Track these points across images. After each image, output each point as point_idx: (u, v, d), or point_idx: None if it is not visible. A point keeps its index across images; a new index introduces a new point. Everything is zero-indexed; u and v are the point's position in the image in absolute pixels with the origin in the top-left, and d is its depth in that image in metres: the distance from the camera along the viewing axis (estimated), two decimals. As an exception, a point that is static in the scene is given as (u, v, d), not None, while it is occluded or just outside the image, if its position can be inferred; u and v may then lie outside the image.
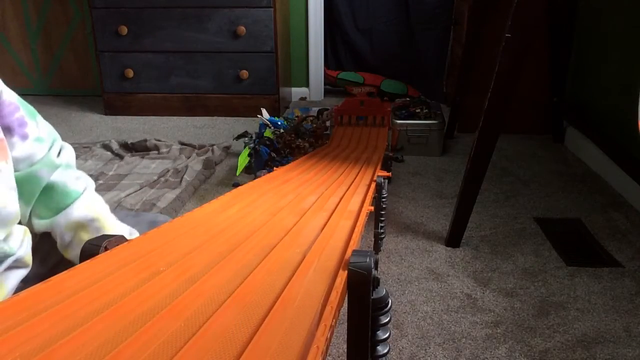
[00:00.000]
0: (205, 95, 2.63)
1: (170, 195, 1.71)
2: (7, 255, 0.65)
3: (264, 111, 2.14)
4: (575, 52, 2.18)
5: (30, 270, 0.70)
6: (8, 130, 0.68)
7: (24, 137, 0.70)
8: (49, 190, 0.73)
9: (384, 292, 0.48)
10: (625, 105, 1.72)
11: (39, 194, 0.72)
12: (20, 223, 0.70)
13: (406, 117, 2.13)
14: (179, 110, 2.66)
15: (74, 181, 0.75)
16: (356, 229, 0.64)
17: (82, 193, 0.75)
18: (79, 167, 0.80)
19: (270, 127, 2.02)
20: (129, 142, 2.18)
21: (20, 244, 0.68)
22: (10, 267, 0.67)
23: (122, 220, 0.86)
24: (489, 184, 1.80)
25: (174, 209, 1.61)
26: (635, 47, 1.68)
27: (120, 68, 2.60)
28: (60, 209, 0.73)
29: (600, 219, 1.56)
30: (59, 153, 0.76)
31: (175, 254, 0.52)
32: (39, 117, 0.75)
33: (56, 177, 0.73)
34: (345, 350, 0.56)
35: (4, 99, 0.68)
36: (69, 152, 0.78)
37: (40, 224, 0.74)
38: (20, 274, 0.69)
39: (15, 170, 0.69)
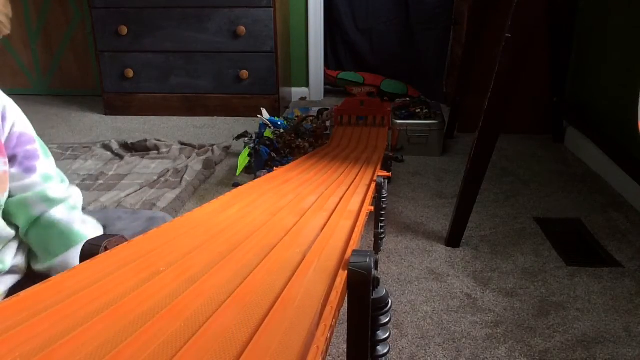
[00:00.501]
0: (205, 95, 2.63)
1: (170, 195, 1.71)
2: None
3: (264, 111, 2.14)
4: (575, 52, 2.18)
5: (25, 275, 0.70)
6: (12, 160, 0.68)
7: (31, 170, 0.69)
8: (50, 228, 0.70)
9: (384, 292, 0.48)
10: (625, 105, 1.72)
11: (38, 232, 0.70)
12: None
13: (406, 117, 2.13)
14: (179, 110, 2.66)
15: (80, 224, 0.73)
16: (356, 229, 0.64)
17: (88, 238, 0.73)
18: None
19: (270, 127, 2.02)
20: (129, 142, 2.18)
21: (15, 254, 0.68)
22: (6, 273, 0.68)
23: (120, 217, 0.85)
24: (489, 184, 1.80)
25: (174, 209, 1.61)
26: (635, 47, 1.68)
27: (120, 68, 2.60)
28: (62, 251, 0.70)
29: (600, 219, 1.56)
30: (63, 192, 0.74)
31: (175, 254, 0.52)
32: (52, 158, 0.75)
33: (59, 215, 0.71)
34: (345, 350, 0.56)
35: (15, 130, 0.68)
36: (77, 194, 0.76)
37: (41, 267, 0.71)
38: (14, 278, 0.69)
39: (10, 196, 0.68)
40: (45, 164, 0.71)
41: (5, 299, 0.39)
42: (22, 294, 0.40)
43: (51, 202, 0.71)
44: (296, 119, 2.12)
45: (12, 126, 0.68)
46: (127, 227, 0.85)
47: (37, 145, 0.71)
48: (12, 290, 0.68)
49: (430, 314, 1.15)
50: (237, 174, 1.90)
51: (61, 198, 0.72)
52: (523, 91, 2.14)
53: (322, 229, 0.65)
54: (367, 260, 0.46)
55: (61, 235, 0.71)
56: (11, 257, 0.67)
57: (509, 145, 2.19)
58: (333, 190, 0.97)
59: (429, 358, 1.02)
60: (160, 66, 2.59)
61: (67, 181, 0.76)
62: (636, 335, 1.08)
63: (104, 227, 0.84)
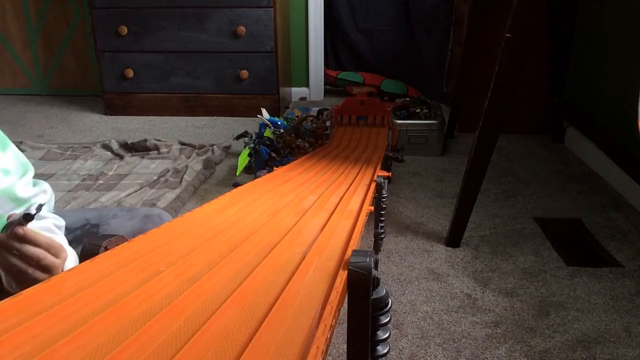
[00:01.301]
0: (205, 95, 2.63)
1: (170, 195, 1.71)
2: None
3: (264, 111, 2.14)
4: (575, 52, 2.18)
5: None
6: None
7: None
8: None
9: (384, 292, 0.48)
10: (625, 105, 1.72)
11: None
12: None
13: (406, 117, 2.13)
14: (179, 110, 2.66)
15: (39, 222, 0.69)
16: (356, 229, 0.64)
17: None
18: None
19: (270, 127, 2.02)
20: (129, 142, 2.18)
21: None
22: None
23: (115, 215, 0.84)
24: (489, 184, 1.80)
25: (174, 209, 1.61)
26: (635, 47, 1.68)
27: (120, 68, 2.60)
28: None
29: (600, 219, 1.56)
30: (31, 190, 0.70)
31: (175, 254, 0.52)
32: (12, 148, 0.71)
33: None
34: (345, 350, 0.56)
35: None
36: (44, 194, 0.73)
37: None
38: None
39: None
40: (2, 158, 0.68)
41: (6, 299, 0.39)
42: (23, 293, 0.40)
43: (18, 201, 0.68)
44: (296, 119, 2.12)
45: None
46: (123, 225, 0.82)
47: None
48: None
49: (430, 314, 1.15)
50: (237, 174, 1.90)
51: (27, 197, 0.70)
52: (523, 91, 2.14)
53: (322, 229, 0.65)
54: (367, 260, 0.46)
55: None
56: None
57: (509, 145, 2.19)
58: (333, 190, 0.97)
59: (429, 358, 1.02)
60: (160, 66, 2.59)
61: (30, 172, 0.72)
62: (636, 335, 1.08)
63: (98, 225, 0.83)
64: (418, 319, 1.14)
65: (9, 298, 0.39)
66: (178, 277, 0.46)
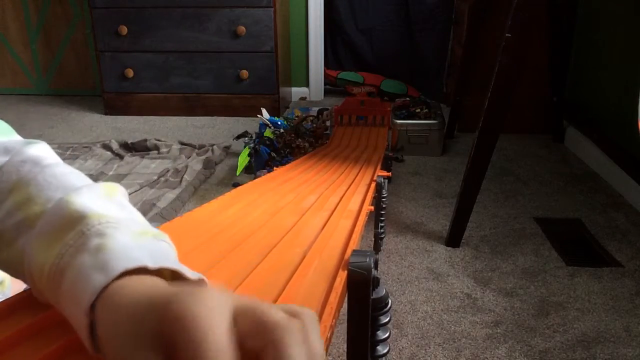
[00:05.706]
0: (205, 95, 2.63)
1: (170, 195, 1.71)
2: None
3: (264, 111, 2.14)
4: (575, 52, 2.18)
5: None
6: None
7: None
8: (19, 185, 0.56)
9: (384, 292, 0.48)
10: (625, 105, 1.72)
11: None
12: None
13: (406, 117, 2.13)
14: (179, 110, 2.66)
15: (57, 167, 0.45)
16: (356, 229, 0.64)
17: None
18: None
19: (270, 127, 2.02)
20: (129, 142, 2.18)
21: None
22: None
23: None
24: (489, 184, 1.80)
25: (174, 209, 1.61)
26: (635, 47, 1.68)
27: (120, 68, 2.60)
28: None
29: (600, 219, 1.56)
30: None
31: (175, 254, 0.52)
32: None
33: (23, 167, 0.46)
34: (345, 350, 0.56)
35: None
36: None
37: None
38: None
39: None
40: None
41: (7, 298, 0.39)
42: (25, 293, 0.40)
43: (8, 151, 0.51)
44: (296, 119, 2.12)
45: None
46: None
47: None
48: None
49: (430, 314, 1.15)
50: (237, 174, 1.90)
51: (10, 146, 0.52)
52: (523, 91, 2.14)
53: (322, 228, 0.65)
54: (367, 260, 0.46)
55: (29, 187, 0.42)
56: None
57: (509, 145, 2.19)
58: (333, 190, 0.97)
59: (429, 358, 1.02)
60: (160, 66, 2.59)
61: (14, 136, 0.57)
62: (636, 335, 1.08)
63: None
64: (418, 319, 1.14)
65: (11, 296, 0.39)
66: (178, 277, 0.46)
